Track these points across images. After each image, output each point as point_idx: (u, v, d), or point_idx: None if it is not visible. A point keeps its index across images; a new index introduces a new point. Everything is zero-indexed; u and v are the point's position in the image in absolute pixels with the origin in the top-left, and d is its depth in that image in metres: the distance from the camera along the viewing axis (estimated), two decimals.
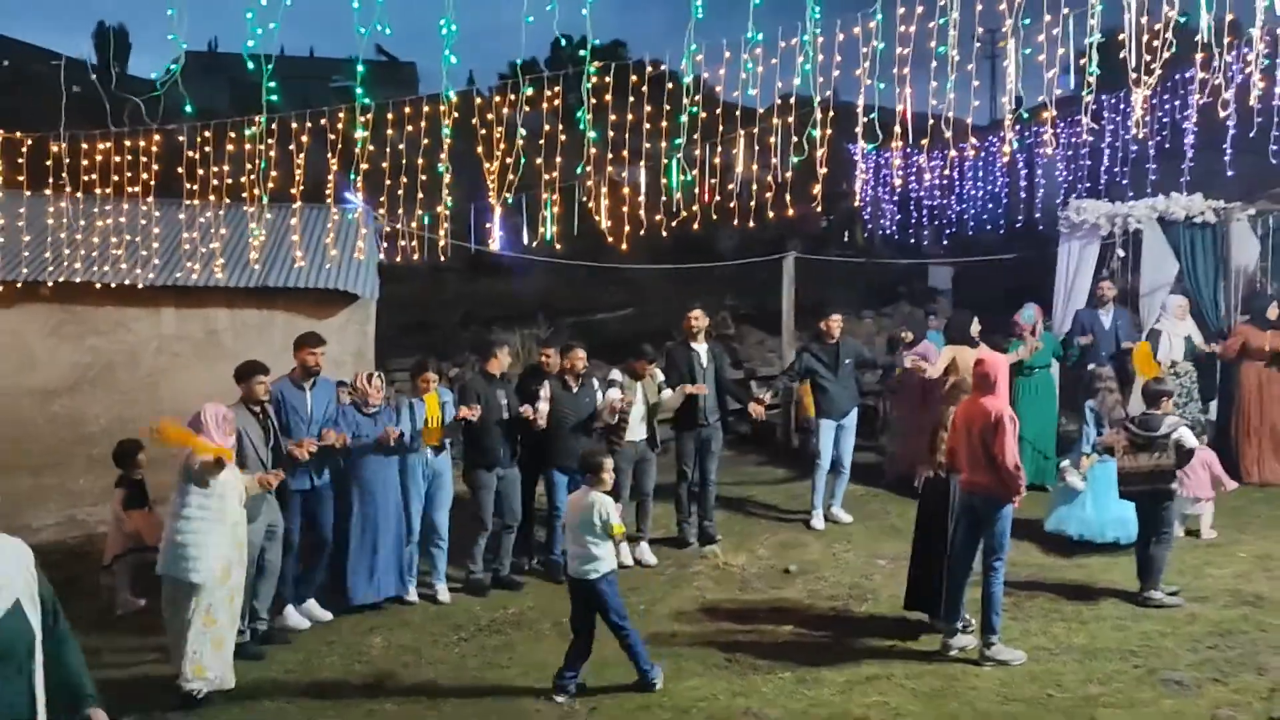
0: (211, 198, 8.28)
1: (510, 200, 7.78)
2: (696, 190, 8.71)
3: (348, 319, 9.92)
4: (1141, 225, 11.28)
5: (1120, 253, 11.79)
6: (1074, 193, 12.07)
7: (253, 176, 7.96)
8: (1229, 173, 9.27)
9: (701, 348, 8.91)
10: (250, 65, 6.39)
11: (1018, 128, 7.33)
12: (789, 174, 8.57)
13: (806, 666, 6.24)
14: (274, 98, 6.73)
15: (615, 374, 8.70)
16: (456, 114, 7.40)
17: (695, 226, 8.86)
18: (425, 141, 7.83)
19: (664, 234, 8.72)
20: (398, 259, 9.97)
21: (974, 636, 6.34)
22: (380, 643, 6.97)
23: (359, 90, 7.11)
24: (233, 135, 8.14)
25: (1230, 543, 8.20)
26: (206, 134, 8.08)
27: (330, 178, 8.34)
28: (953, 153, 9.01)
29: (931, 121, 7.20)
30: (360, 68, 7.24)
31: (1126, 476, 7.05)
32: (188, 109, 7.17)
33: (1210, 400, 10.80)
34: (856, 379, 9.90)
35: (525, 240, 9.01)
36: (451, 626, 7.29)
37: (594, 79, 7.19)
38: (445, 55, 6.42)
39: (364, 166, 7.81)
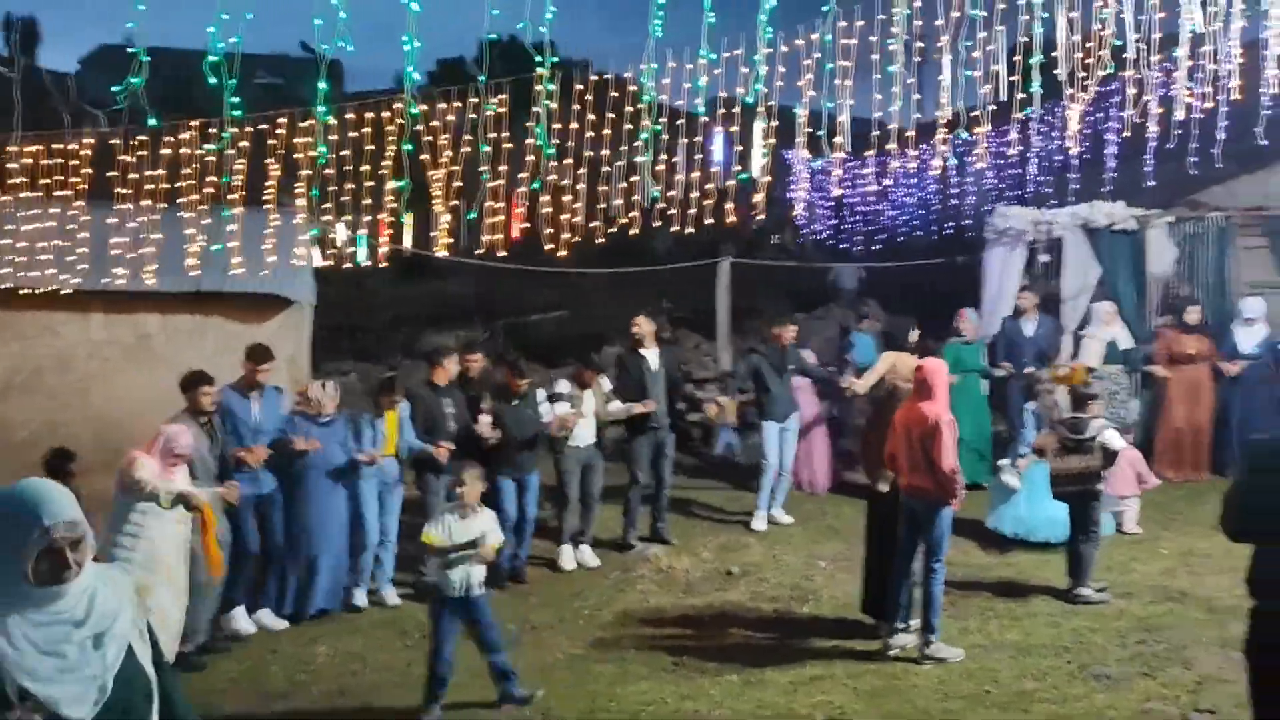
0: (145, 201, 8.10)
1: (458, 204, 7.77)
2: (657, 195, 8.78)
3: (281, 324, 9.75)
4: (1065, 232, 11.65)
5: (1044, 258, 12.17)
6: (1001, 199, 12.41)
7: (191, 181, 7.82)
8: (1150, 182, 9.61)
9: (652, 353, 9.00)
10: (212, 79, 6.27)
11: (949, 135, 7.53)
12: (731, 183, 8.70)
13: (752, 668, 6.35)
14: (237, 113, 6.63)
15: (562, 385, 8.76)
16: (400, 119, 7.36)
17: (633, 232, 8.94)
18: (370, 148, 7.76)
19: (599, 239, 8.74)
20: (334, 263, 9.83)
21: (914, 635, 6.50)
22: (326, 651, 6.92)
23: (322, 92, 7.01)
24: (169, 139, 7.99)
25: (1154, 539, 8.52)
26: (142, 137, 7.91)
27: (270, 182, 8.23)
28: (894, 164, 9.17)
29: (878, 131, 7.35)
30: (331, 71, 7.11)
31: (1057, 478, 7.30)
32: (151, 121, 7.06)
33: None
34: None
35: (464, 242, 8.99)
36: (398, 633, 7.26)
37: (548, 89, 7.18)
38: (408, 72, 6.39)
39: (304, 172, 7.73)
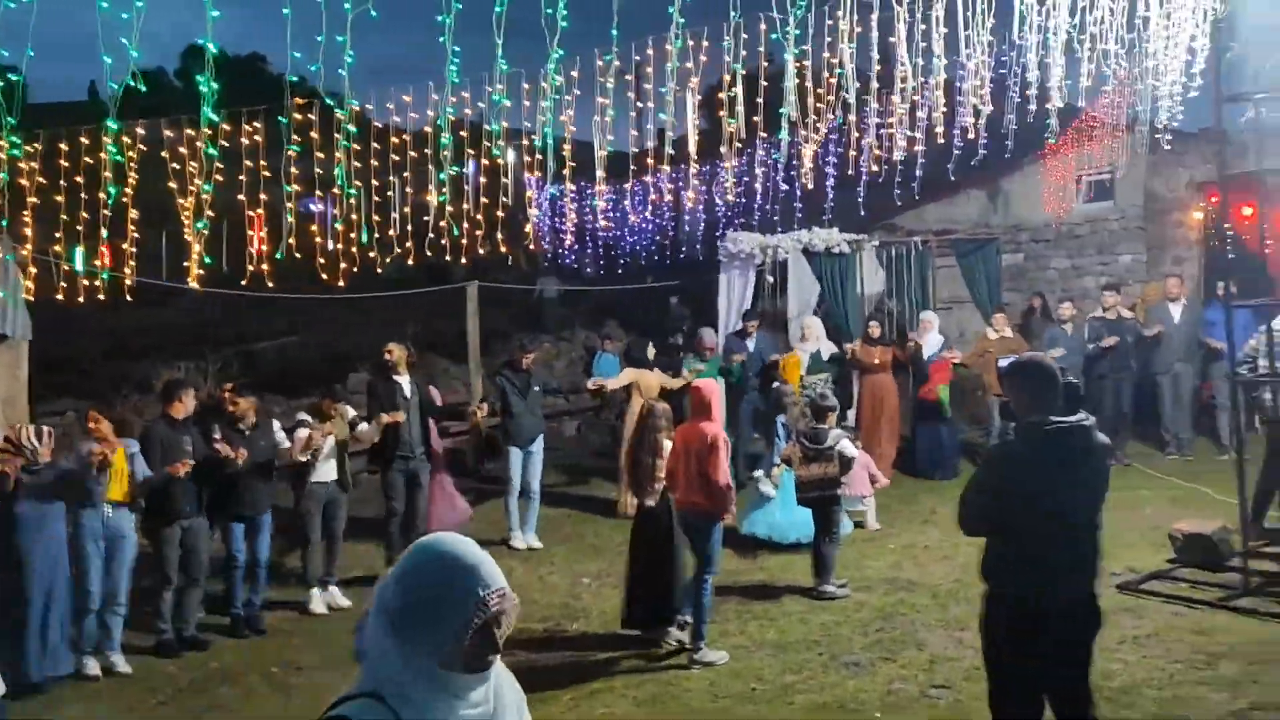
0: None
1: (200, 227, 7.39)
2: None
3: None
4: (788, 255, 12.62)
5: (770, 279, 13.12)
6: (731, 225, 13.25)
7: None
8: (861, 212, 10.65)
9: (404, 380, 8.88)
10: None
11: (671, 163, 8.09)
12: (478, 215, 8.84)
13: (532, 689, 6.42)
14: None
15: (303, 416, 8.54)
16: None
17: (372, 255, 8.88)
18: (107, 174, 7.25)
19: (344, 264, 8.61)
20: (54, 294, 9.06)
21: (685, 632, 6.85)
22: (74, 717, 6.37)
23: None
24: None
25: (882, 536, 9.38)
26: None
27: None
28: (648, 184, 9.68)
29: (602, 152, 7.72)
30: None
31: (802, 484, 7.93)
32: None
33: (848, 409, 12.26)
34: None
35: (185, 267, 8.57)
36: (147, 690, 6.79)
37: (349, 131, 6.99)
38: (206, 78, 6.02)
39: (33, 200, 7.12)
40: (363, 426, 8.62)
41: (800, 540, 8.73)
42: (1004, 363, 4.71)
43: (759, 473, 9.29)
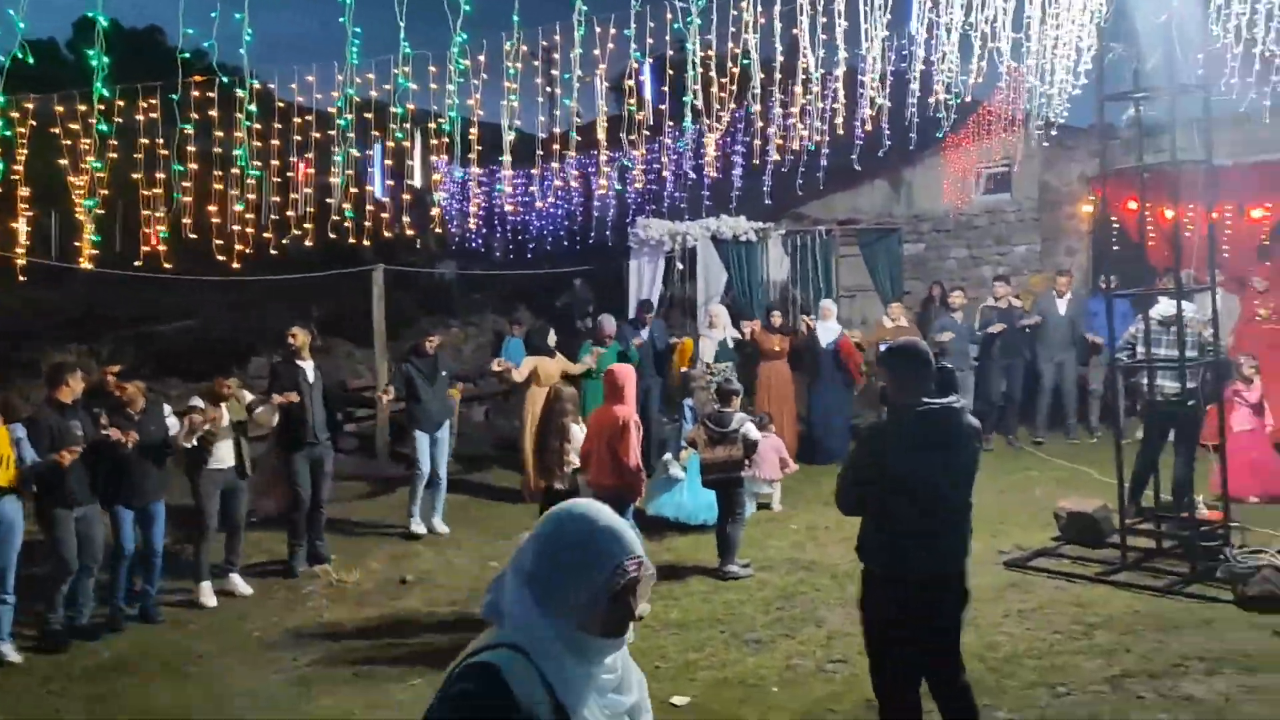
0: None
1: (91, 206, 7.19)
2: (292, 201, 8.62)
3: None
4: (697, 242, 12.78)
5: (680, 266, 13.27)
6: (641, 212, 13.35)
7: None
8: (768, 200, 10.83)
9: (308, 365, 8.74)
10: None
11: (580, 149, 8.17)
12: (383, 197, 8.77)
13: (437, 671, 6.40)
14: None
15: (195, 401, 8.22)
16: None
17: (268, 235, 8.76)
18: None
19: (238, 246, 8.47)
20: None
21: None
22: None
23: None
24: None
25: (786, 517, 9.61)
26: None
27: None
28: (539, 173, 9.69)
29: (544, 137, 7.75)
30: None
31: (707, 467, 8.07)
32: None
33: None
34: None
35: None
36: (39, 679, 6.62)
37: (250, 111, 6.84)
38: (98, 51, 5.83)
39: None
40: (261, 408, 8.44)
41: (707, 522, 8.89)
42: (882, 347, 4.92)
43: (667, 456, 9.43)
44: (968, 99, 9.52)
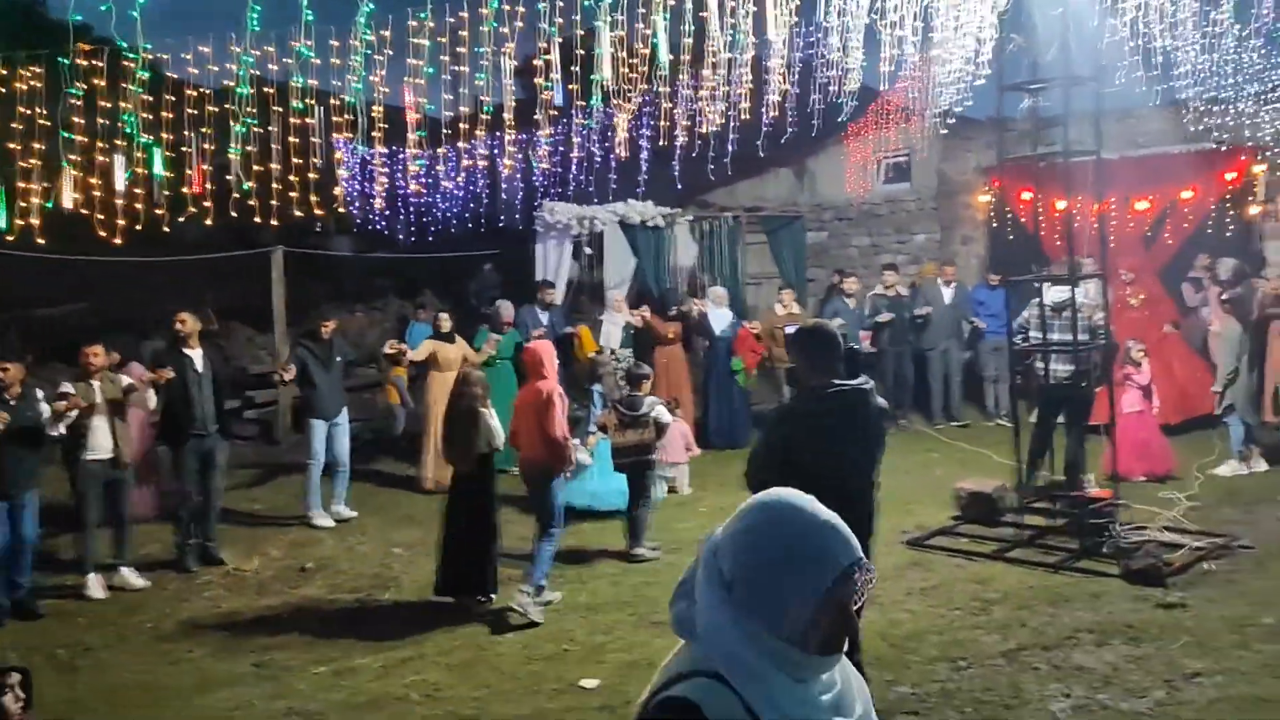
0: None
1: None
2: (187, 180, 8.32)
3: None
4: (605, 227, 12.73)
5: (587, 250, 13.22)
6: (549, 195, 13.24)
7: None
8: (678, 186, 10.86)
9: (196, 353, 8.32)
10: None
11: (487, 130, 8.04)
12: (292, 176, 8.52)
13: (340, 659, 6.35)
14: None
15: (66, 387, 7.61)
16: None
17: (159, 211, 8.45)
18: None
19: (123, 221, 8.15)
20: None
21: (529, 595, 6.90)
22: None
23: None
24: None
25: (694, 500, 9.67)
26: None
27: None
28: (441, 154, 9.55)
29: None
30: None
31: (618, 451, 8.07)
32: None
33: None
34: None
35: None
36: None
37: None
38: None
39: None
40: (136, 393, 8.08)
41: (618, 507, 8.89)
42: (790, 329, 4.97)
43: (575, 441, 9.37)
44: (876, 87, 9.68)
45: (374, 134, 8.50)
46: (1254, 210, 12.73)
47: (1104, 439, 8.71)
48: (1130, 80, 8.37)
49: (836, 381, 4.42)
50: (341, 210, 12.48)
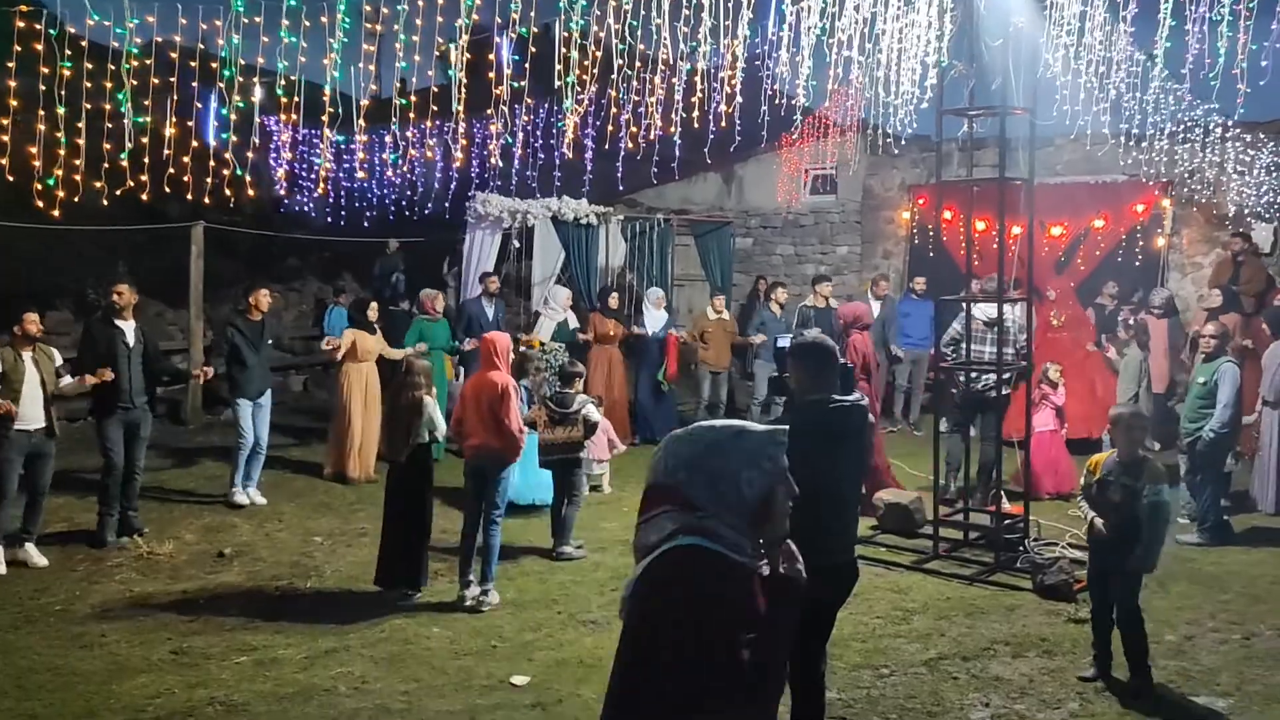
0: None
1: None
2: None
3: None
4: (537, 221, 12.70)
5: (516, 244, 13.17)
6: (483, 187, 13.14)
7: None
8: (620, 187, 10.89)
9: (128, 326, 8.16)
10: None
11: (421, 116, 7.96)
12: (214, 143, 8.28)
13: (262, 648, 6.22)
14: None
15: None
16: None
17: (58, 172, 8.14)
18: None
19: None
20: None
21: (477, 587, 6.95)
22: None
23: None
24: None
25: (617, 499, 9.72)
26: None
27: None
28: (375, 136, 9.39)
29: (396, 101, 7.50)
30: None
31: (546, 447, 8.07)
32: None
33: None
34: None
35: None
36: None
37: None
38: None
39: None
40: (66, 380, 7.85)
41: (536, 502, 8.90)
42: (783, 341, 5.01)
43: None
44: (811, 102, 9.85)
45: (292, 113, 8.29)
46: (1160, 242, 13.35)
47: (1017, 452, 9.05)
48: (1059, 112, 8.67)
49: (836, 397, 4.51)
50: (255, 190, 12.18)
